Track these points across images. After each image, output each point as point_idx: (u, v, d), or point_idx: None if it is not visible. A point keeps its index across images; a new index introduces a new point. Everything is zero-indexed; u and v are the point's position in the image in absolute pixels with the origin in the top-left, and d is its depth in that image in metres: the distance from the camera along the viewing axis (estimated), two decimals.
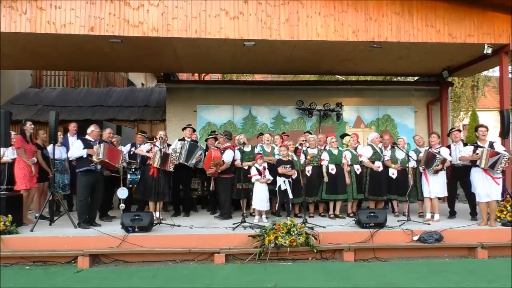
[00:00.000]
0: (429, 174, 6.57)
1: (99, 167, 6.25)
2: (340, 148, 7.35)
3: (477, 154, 6.20)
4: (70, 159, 6.87)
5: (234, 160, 7.03)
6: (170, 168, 6.69)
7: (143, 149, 6.86)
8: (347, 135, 8.24)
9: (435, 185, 6.57)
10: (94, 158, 6.10)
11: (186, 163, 7.16)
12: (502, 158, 6.03)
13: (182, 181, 7.48)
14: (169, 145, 7.20)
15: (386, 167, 7.25)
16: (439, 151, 6.60)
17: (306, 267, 5.33)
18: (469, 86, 17.02)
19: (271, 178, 6.70)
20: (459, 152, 6.72)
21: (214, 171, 6.71)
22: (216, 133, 7.61)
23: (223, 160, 6.83)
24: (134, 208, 7.26)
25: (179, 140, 7.41)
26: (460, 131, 7.07)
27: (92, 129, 6.41)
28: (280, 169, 6.71)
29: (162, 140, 6.73)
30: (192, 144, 7.32)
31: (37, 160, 6.58)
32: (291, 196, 6.69)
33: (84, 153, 6.10)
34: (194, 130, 7.66)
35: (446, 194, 6.77)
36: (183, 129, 7.67)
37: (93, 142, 6.29)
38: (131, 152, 7.44)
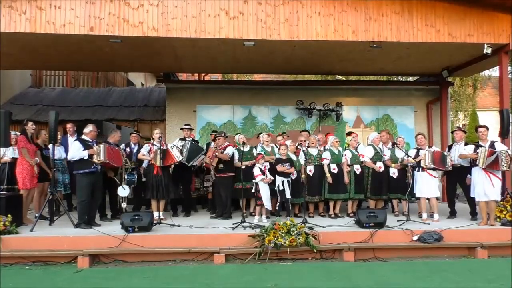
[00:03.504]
0: (425, 174, 6.57)
1: (99, 167, 6.25)
2: (340, 149, 7.35)
3: (477, 153, 6.23)
4: (71, 161, 6.82)
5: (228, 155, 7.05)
6: (179, 158, 6.69)
7: (144, 153, 6.90)
8: (352, 133, 8.21)
9: (436, 184, 6.59)
10: (95, 159, 6.09)
11: (186, 163, 7.17)
12: (501, 155, 6.04)
13: (182, 181, 7.49)
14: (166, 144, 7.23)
15: (386, 167, 7.26)
16: (439, 151, 6.64)
17: (306, 267, 5.33)
18: (469, 86, 17.00)
19: (273, 178, 6.71)
20: (459, 152, 6.73)
21: (211, 153, 6.74)
22: (223, 132, 7.65)
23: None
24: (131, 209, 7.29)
25: (180, 139, 7.42)
26: (465, 132, 7.06)
27: (90, 129, 6.38)
28: (279, 167, 6.72)
29: (160, 139, 6.76)
30: (194, 144, 7.32)
31: (39, 161, 6.57)
32: (288, 196, 6.69)
33: (85, 154, 6.08)
34: (191, 130, 7.67)
35: (439, 194, 6.77)
36: (182, 128, 7.68)
37: (91, 142, 6.28)
38: (127, 152, 7.40)
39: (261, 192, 6.62)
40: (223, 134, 7.30)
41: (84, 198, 6.13)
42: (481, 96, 17.83)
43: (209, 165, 6.90)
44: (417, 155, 6.77)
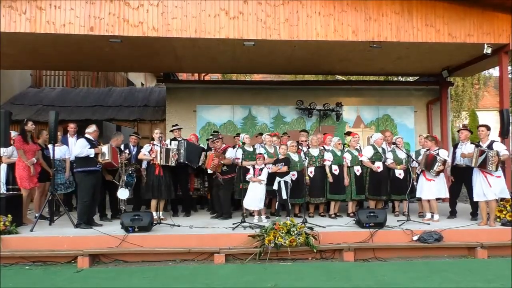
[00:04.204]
0: (429, 176, 6.55)
1: (101, 167, 6.27)
2: (340, 150, 7.36)
3: (471, 153, 6.27)
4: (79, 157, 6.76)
5: (235, 158, 7.04)
6: (173, 163, 6.69)
7: (145, 153, 6.84)
8: (351, 133, 8.22)
9: (435, 187, 6.56)
10: (100, 159, 6.12)
11: (187, 162, 7.20)
12: (489, 155, 6.03)
13: (180, 181, 7.48)
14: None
15: (386, 168, 7.24)
16: (437, 153, 6.61)
17: (306, 267, 5.33)
18: (475, 84, 16.92)
19: (263, 179, 6.64)
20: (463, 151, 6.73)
21: (217, 162, 6.72)
22: (219, 133, 7.62)
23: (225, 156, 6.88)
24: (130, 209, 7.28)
25: (172, 140, 7.37)
26: (471, 132, 7.02)
27: (94, 128, 6.42)
28: (273, 168, 6.72)
29: (161, 139, 6.76)
30: (190, 143, 7.32)
31: (37, 160, 6.56)
32: (284, 197, 6.67)
33: (92, 152, 6.11)
34: (180, 129, 7.65)
35: (447, 195, 6.76)
36: (171, 130, 7.66)
37: (95, 141, 6.33)
38: (127, 154, 7.37)
39: (248, 191, 6.60)
40: (221, 137, 7.29)
41: (86, 199, 6.14)
42: (481, 96, 17.79)
43: (215, 168, 6.83)
44: None
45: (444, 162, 6.52)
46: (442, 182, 6.65)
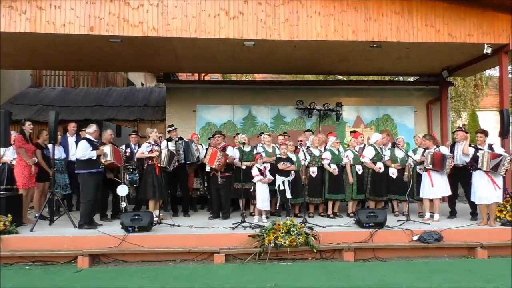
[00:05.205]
0: (434, 174, 6.54)
1: (103, 168, 6.28)
2: (340, 149, 7.35)
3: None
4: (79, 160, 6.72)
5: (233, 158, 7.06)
6: (171, 168, 6.71)
7: (144, 151, 6.74)
8: (354, 132, 8.24)
9: (440, 185, 6.54)
10: (102, 160, 6.12)
11: (188, 162, 7.22)
12: (505, 160, 6.04)
13: (180, 180, 7.49)
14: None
15: (386, 167, 7.25)
16: (439, 150, 6.61)
17: (306, 267, 5.34)
18: (478, 84, 16.91)
19: (272, 178, 6.70)
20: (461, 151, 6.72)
21: (224, 161, 6.72)
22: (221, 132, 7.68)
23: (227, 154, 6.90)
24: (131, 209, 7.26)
25: (167, 140, 7.37)
26: (466, 132, 7.03)
27: (94, 129, 6.38)
28: (280, 165, 6.71)
29: (161, 139, 6.76)
30: (186, 143, 7.40)
31: (37, 160, 6.57)
32: (289, 196, 6.68)
33: (94, 154, 6.09)
34: (175, 129, 7.66)
35: (450, 193, 6.75)
36: (169, 131, 7.67)
37: (96, 142, 6.32)
38: (127, 154, 7.38)
39: (257, 192, 6.60)
40: (224, 133, 7.33)
41: (90, 198, 6.12)
42: (485, 94, 17.77)
43: (220, 167, 6.83)
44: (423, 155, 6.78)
45: (453, 157, 6.57)
46: (445, 180, 6.63)
